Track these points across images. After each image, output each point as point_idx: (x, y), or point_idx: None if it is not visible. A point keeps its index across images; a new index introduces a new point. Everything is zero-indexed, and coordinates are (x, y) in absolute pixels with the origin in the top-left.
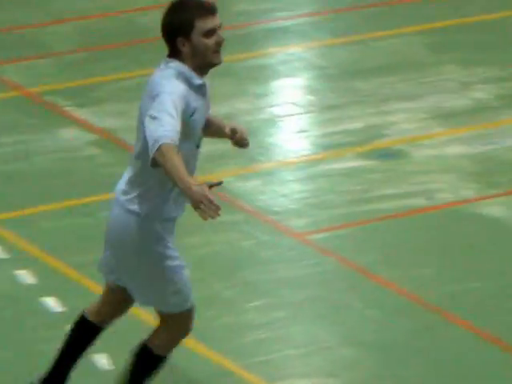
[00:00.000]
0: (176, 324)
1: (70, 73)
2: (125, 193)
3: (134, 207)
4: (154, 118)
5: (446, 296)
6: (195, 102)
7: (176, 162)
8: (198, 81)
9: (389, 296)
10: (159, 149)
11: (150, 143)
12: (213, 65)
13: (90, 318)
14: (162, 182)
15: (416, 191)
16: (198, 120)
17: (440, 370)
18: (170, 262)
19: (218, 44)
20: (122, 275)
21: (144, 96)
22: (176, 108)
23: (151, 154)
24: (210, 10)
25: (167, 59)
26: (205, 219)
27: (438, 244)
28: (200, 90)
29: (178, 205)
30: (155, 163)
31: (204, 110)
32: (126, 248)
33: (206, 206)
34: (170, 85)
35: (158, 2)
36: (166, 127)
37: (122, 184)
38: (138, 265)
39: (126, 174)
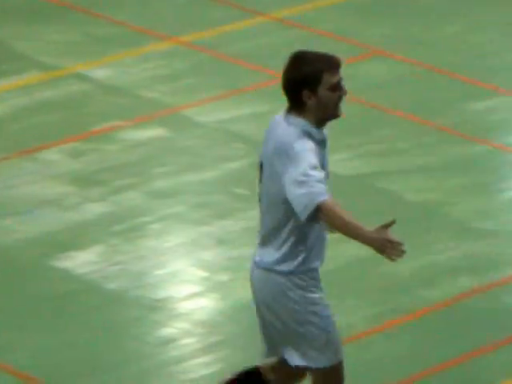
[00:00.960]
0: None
1: None
2: (276, 262)
3: (283, 268)
4: (300, 182)
5: None
6: (321, 156)
7: (345, 217)
8: (320, 135)
9: None
10: (320, 208)
11: (302, 206)
12: (334, 118)
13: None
14: (305, 236)
15: None
16: (325, 176)
17: None
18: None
19: (341, 98)
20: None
21: (267, 155)
22: (316, 167)
23: (305, 214)
24: (338, 64)
25: (287, 114)
26: (393, 261)
27: None
28: (323, 144)
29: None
30: (311, 219)
31: (327, 165)
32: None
33: (389, 249)
34: (302, 145)
35: None
36: (315, 188)
37: (264, 256)
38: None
39: (262, 246)
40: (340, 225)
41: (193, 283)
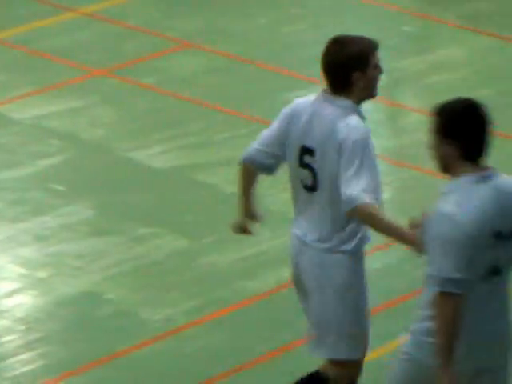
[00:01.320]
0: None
1: None
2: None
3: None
4: (354, 174)
5: None
6: None
7: (384, 220)
8: (363, 114)
9: None
10: (358, 209)
11: (348, 200)
12: (372, 97)
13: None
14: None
15: None
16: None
17: None
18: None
19: (380, 77)
20: None
21: (317, 140)
22: (374, 159)
23: (348, 209)
24: (377, 45)
25: (329, 95)
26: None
27: None
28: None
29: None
30: (351, 216)
31: None
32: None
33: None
34: (357, 130)
35: None
36: (363, 185)
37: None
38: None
39: (313, 216)
40: (381, 229)
41: (12, 280)
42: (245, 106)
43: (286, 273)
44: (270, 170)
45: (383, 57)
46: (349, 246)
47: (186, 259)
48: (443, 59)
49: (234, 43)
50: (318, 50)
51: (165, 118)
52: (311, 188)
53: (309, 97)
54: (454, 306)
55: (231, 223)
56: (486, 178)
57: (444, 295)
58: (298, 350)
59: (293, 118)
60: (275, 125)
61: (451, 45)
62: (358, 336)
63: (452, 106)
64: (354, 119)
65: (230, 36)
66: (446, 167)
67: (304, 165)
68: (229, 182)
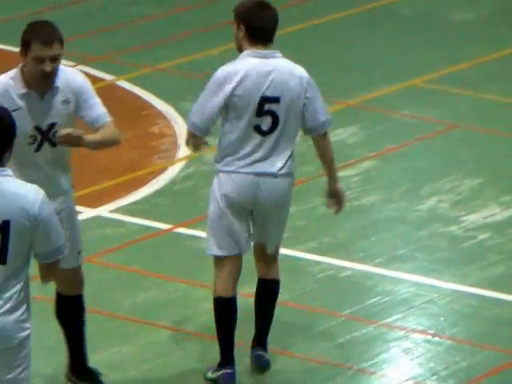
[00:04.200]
0: None
1: None
2: (288, 167)
3: (291, 170)
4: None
5: None
6: None
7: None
8: None
9: None
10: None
11: (323, 119)
12: None
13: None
14: None
15: None
16: None
17: None
18: None
19: None
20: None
21: (284, 87)
22: None
23: (323, 129)
24: None
25: (267, 51)
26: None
27: None
28: None
29: None
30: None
31: None
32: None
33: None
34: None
35: None
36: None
37: (285, 166)
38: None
39: (275, 152)
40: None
41: None
42: None
43: None
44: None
45: None
46: (292, 169)
47: None
48: None
49: None
50: None
51: None
52: (268, 131)
53: (234, 63)
54: None
55: None
56: None
57: None
58: None
59: (231, 81)
60: (217, 97)
61: None
62: None
63: None
64: (299, 67)
65: None
66: None
67: (264, 112)
68: None
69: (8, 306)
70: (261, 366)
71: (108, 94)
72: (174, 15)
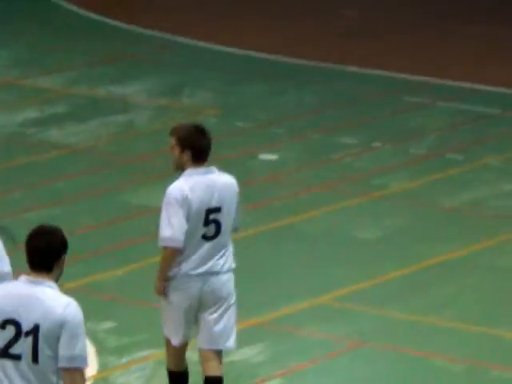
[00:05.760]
0: None
1: None
2: (231, 263)
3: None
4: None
5: None
6: None
7: None
8: None
9: None
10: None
11: (239, 224)
12: None
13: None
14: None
15: None
16: None
17: None
18: None
19: None
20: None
21: (226, 199)
22: None
23: (238, 228)
24: None
25: (210, 167)
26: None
27: None
28: None
29: None
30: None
31: None
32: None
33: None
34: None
35: None
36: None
37: (226, 262)
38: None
39: (218, 253)
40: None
41: None
42: None
43: None
44: None
45: None
46: (234, 264)
47: None
48: None
49: None
50: None
51: None
52: (212, 237)
53: (185, 181)
54: None
55: None
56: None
57: None
58: None
59: (186, 199)
60: (180, 212)
61: None
62: None
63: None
64: (230, 177)
65: None
66: None
67: (210, 221)
68: None
69: None
70: None
71: None
72: None
